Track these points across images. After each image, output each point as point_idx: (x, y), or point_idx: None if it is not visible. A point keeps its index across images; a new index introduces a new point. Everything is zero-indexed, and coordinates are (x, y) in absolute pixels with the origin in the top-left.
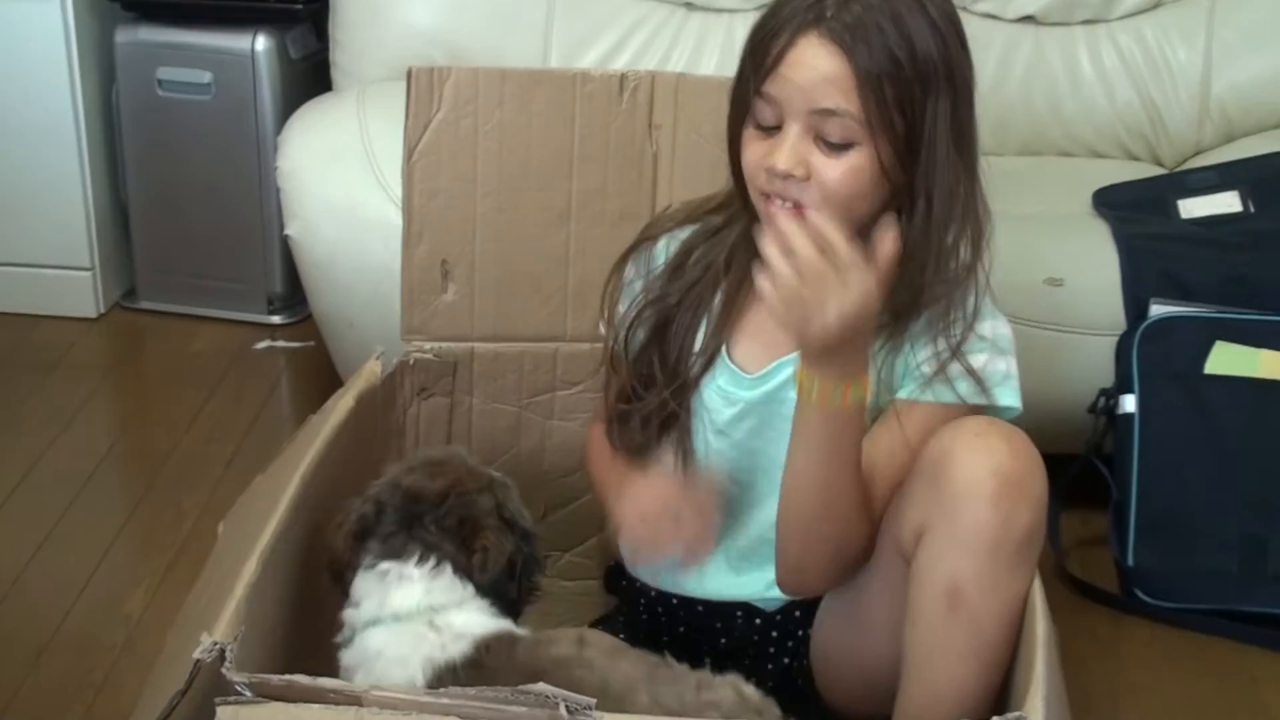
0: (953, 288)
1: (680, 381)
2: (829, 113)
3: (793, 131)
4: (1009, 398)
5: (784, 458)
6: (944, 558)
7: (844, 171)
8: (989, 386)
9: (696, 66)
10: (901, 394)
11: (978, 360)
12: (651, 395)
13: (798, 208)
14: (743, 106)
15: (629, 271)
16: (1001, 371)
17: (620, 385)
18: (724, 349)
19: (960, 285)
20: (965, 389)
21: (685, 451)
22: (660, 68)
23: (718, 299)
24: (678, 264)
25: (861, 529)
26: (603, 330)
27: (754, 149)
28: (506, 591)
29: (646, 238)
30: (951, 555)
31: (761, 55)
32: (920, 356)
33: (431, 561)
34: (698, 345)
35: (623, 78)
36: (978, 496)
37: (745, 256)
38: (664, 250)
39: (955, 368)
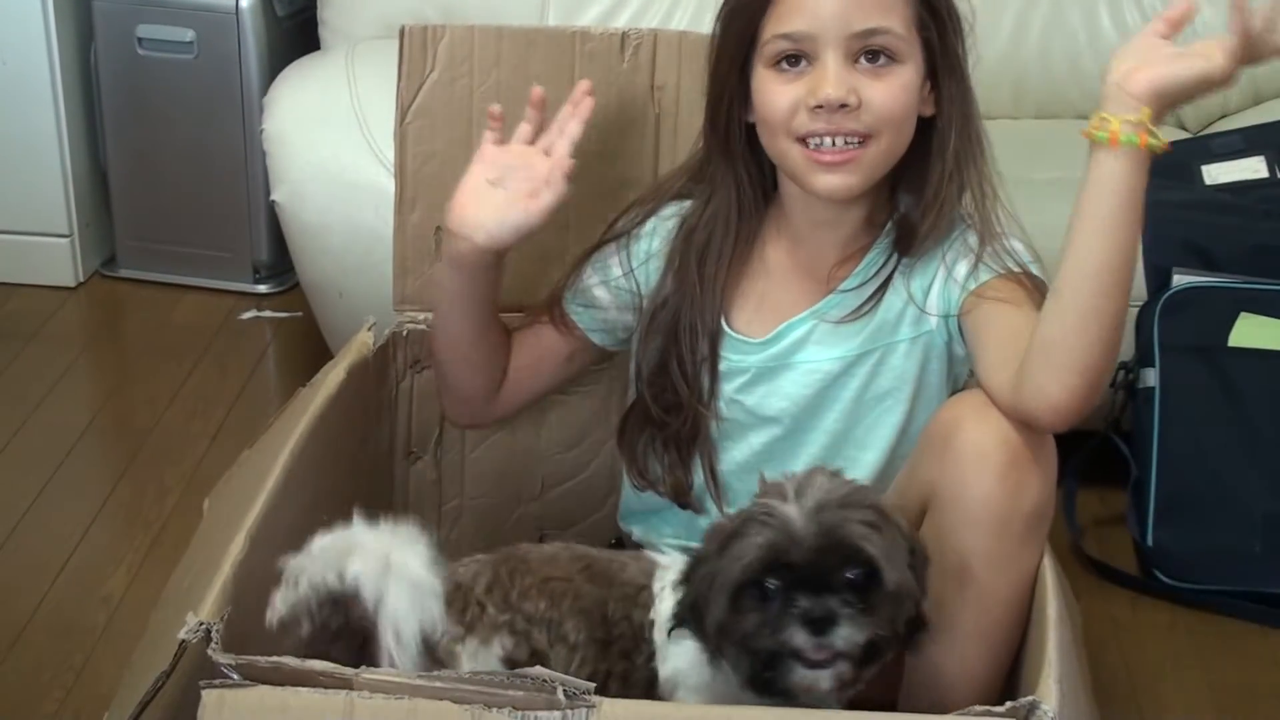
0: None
1: (702, 388)
2: (870, 33)
3: (832, 59)
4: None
5: (795, 420)
6: (950, 532)
7: (896, 89)
8: (1027, 261)
9: (700, 24)
10: (971, 283)
11: (1011, 242)
12: (674, 419)
13: (849, 145)
14: (740, 48)
15: (590, 275)
16: (1025, 250)
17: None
18: (723, 321)
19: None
20: (1009, 262)
21: (713, 471)
22: (663, 25)
23: (709, 276)
24: (673, 267)
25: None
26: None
27: (782, 92)
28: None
29: (612, 238)
30: (958, 529)
31: None
32: (962, 250)
33: None
34: (702, 339)
35: (624, 36)
36: (985, 468)
37: (727, 223)
38: (649, 238)
39: (993, 249)
